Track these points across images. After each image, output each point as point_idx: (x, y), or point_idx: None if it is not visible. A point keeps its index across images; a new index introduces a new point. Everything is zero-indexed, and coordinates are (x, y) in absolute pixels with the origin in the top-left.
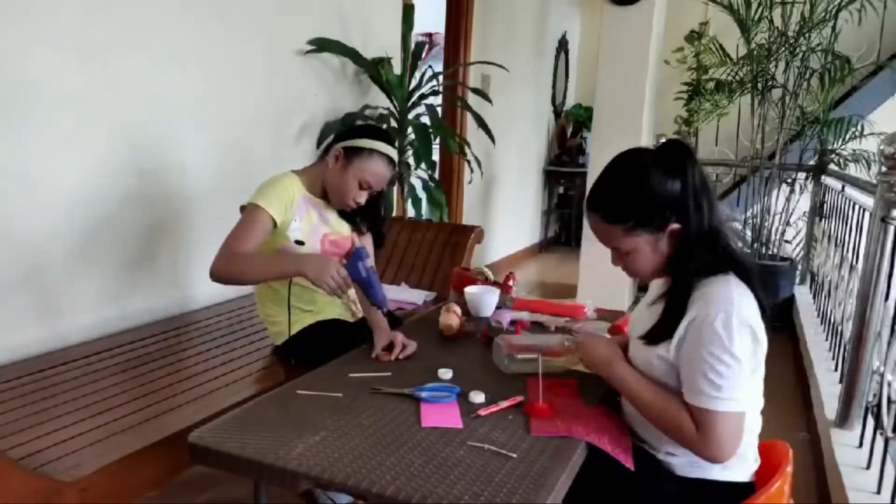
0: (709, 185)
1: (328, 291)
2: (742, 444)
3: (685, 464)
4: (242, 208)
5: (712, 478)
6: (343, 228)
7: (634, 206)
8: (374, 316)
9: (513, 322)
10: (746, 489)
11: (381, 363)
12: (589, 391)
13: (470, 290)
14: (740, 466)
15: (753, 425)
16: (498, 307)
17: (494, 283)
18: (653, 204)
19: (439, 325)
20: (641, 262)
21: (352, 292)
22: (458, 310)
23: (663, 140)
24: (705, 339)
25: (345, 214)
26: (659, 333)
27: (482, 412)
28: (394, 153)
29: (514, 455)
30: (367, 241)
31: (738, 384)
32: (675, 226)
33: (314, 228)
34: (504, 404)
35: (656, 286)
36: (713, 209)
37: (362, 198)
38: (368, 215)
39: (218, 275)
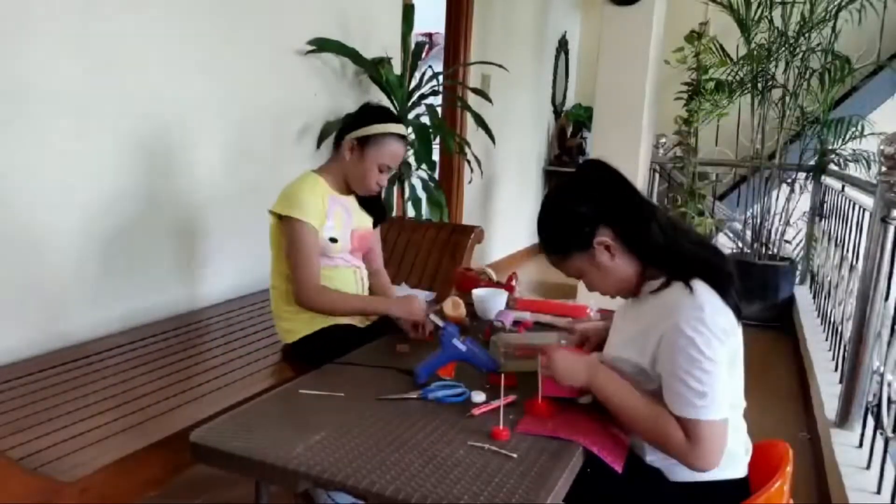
0: (630, 189)
1: (410, 327)
2: (729, 441)
3: (675, 470)
4: (279, 217)
5: (706, 479)
6: (365, 222)
7: (555, 234)
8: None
9: (515, 322)
10: (741, 484)
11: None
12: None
13: (478, 292)
14: (731, 463)
15: (737, 421)
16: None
17: (497, 284)
18: (569, 228)
19: (448, 317)
20: (595, 280)
21: (364, 289)
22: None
23: (581, 162)
24: (680, 347)
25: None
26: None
27: (476, 411)
28: (402, 129)
29: (515, 455)
30: (375, 240)
31: (719, 389)
32: (604, 239)
33: (344, 225)
34: (496, 404)
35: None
36: (639, 209)
37: (384, 180)
38: (375, 205)
39: (312, 308)
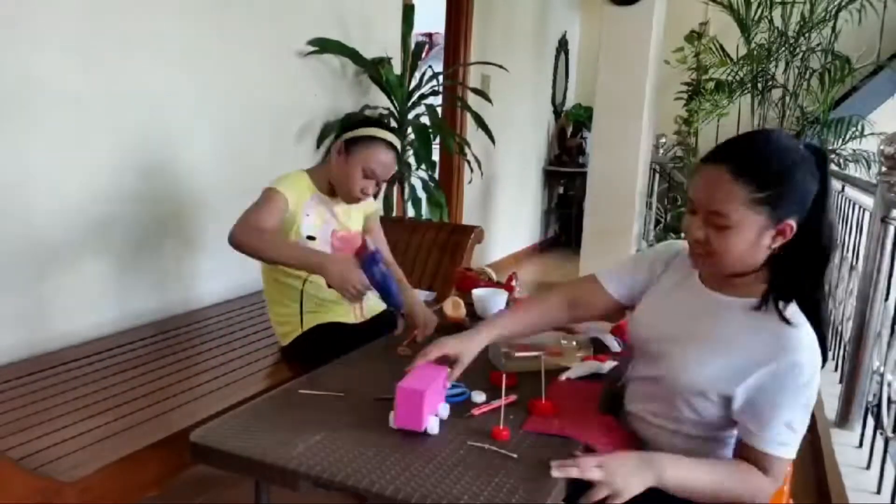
0: (831, 203)
1: (346, 298)
2: None
3: None
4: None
5: None
6: (351, 224)
7: (777, 177)
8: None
9: None
10: None
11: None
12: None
13: (478, 292)
14: None
15: None
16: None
17: (497, 284)
18: (793, 187)
19: (448, 317)
20: (732, 246)
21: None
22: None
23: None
24: (796, 389)
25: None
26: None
27: (475, 412)
28: (393, 139)
29: (515, 455)
30: (380, 240)
31: (805, 427)
32: (792, 224)
33: (325, 225)
34: (496, 404)
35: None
36: (831, 232)
37: (369, 188)
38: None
39: (238, 243)
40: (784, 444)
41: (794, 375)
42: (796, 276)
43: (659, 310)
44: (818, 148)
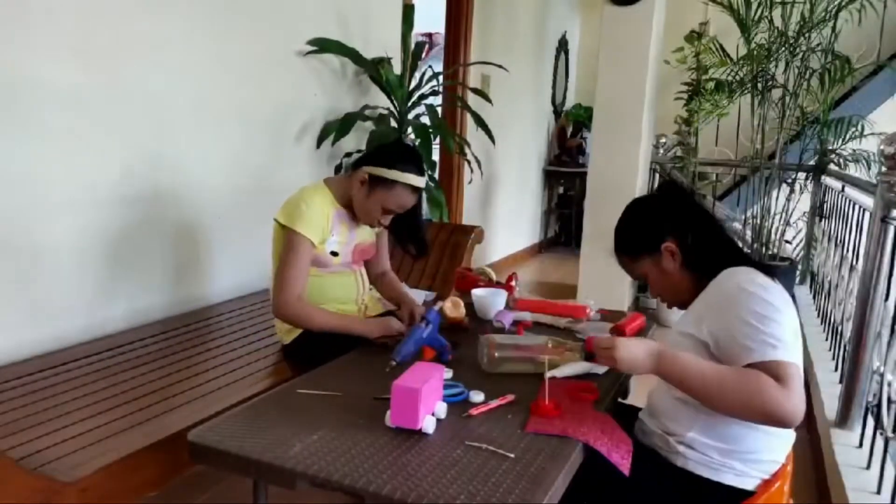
0: (702, 208)
1: (394, 334)
2: (768, 454)
3: (700, 461)
4: (282, 224)
5: (720, 481)
6: (370, 235)
7: (630, 236)
8: (401, 293)
9: (515, 322)
10: (748, 495)
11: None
12: (602, 399)
13: (477, 292)
14: (753, 478)
15: (784, 448)
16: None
17: (497, 284)
18: (643, 231)
19: (448, 317)
20: (658, 283)
21: (363, 297)
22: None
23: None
24: (742, 301)
25: (397, 238)
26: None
27: (473, 412)
28: (419, 181)
29: (512, 455)
30: (384, 252)
31: (786, 335)
32: (670, 244)
33: (348, 241)
34: (493, 404)
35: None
36: (707, 225)
37: (387, 220)
38: (410, 232)
39: (286, 316)
40: (767, 345)
41: (737, 293)
42: (700, 259)
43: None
44: (665, 184)
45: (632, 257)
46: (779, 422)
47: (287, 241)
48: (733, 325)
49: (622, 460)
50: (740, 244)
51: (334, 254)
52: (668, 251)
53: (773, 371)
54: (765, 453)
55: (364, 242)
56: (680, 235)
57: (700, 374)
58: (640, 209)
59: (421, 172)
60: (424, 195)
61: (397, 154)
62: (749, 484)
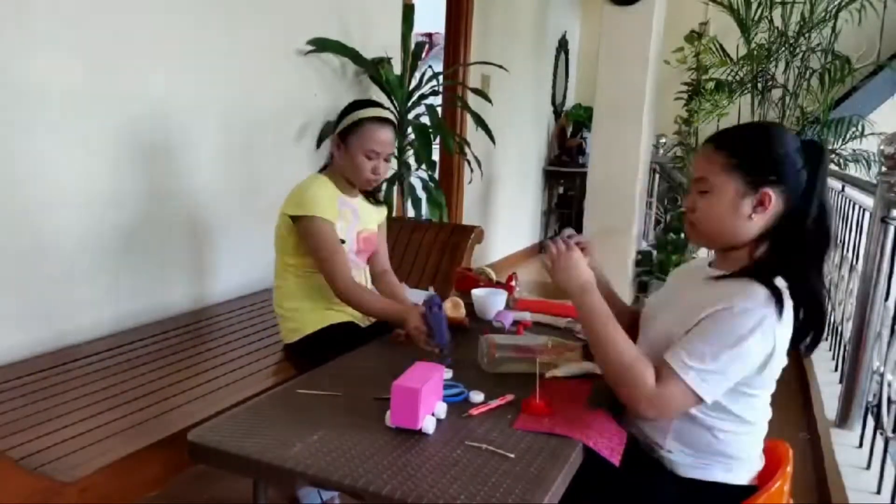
0: (826, 190)
1: (418, 342)
2: (747, 446)
3: (687, 464)
4: (293, 218)
5: (713, 479)
6: (371, 223)
7: (750, 143)
8: (399, 296)
9: (515, 322)
10: (747, 491)
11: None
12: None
13: (477, 292)
14: (743, 469)
15: (761, 431)
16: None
17: (497, 284)
18: (765, 155)
19: (447, 318)
20: (714, 208)
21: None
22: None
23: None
24: (723, 319)
25: (368, 200)
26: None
27: (473, 412)
28: (383, 112)
29: (512, 455)
30: (383, 248)
31: (723, 374)
32: (770, 194)
33: (350, 227)
34: (493, 404)
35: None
36: (823, 215)
37: (380, 167)
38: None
39: (348, 300)
40: (686, 364)
41: (732, 317)
42: (784, 255)
43: (660, 292)
44: (815, 142)
45: (728, 162)
46: (631, 406)
47: (310, 229)
48: (699, 331)
49: (612, 452)
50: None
51: (341, 241)
52: (763, 198)
53: (662, 374)
54: (740, 451)
55: (366, 230)
56: (790, 195)
57: (603, 329)
58: (788, 135)
59: (380, 106)
60: (424, 195)
61: (353, 103)
62: (742, 478)
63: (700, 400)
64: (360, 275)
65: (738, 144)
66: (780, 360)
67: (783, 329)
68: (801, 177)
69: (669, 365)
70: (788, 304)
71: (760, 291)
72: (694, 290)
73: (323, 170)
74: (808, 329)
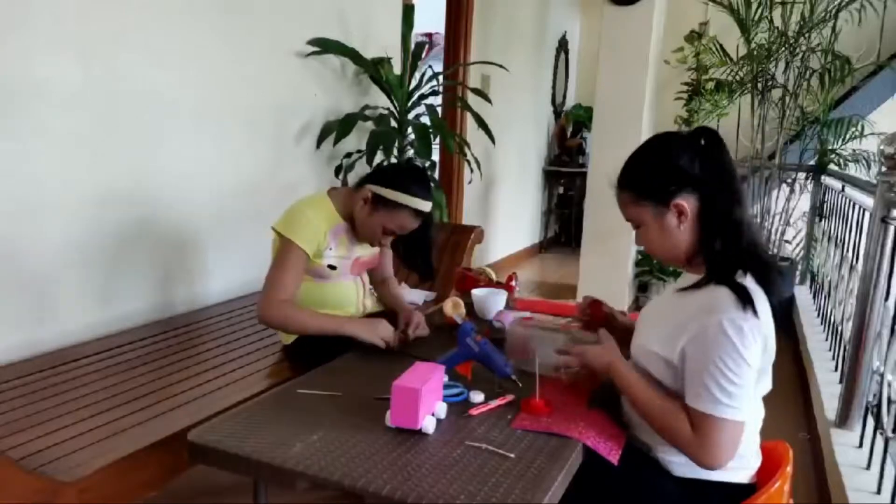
0: (736, 177)
1: (383, 347)
2: (743, 448)
3: (683, 464)
4: (278, 234)
5: (710, 479)
6: (371, 250)
7: (641, 173)
8: (399, 301)
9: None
10: (746, 490)
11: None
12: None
13: (477, 292)
14: (740, 468)
15: (754, 428)
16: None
17: (497, 284)
18: (658, 175)
19: (447, 317)
20: (650, 237)
21: (364, 300)
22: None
23: (700, 127)
24: (717, 344)
25: (405, 260)
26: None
27: (473, 412)
28: (425, 205)
29: (512, 455)
30: (387, 261)
31: (746, 392)
32: (682, 203)
33: (348, 255)
34: (493, 404)
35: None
36: (737, 202)
37: (387, 241)
38: (423, 261)
39: (268, 323)
40: (712, 399)
41: (716, 331)
42: (714, 249)
43: (641, 324)
44: (705, 129)
45: (634, 197)
46: (688, 457)
47: (282, 247)
48: (699, 365)
49: (611, 452)
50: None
51: (332, 267)
52: (677, 209)
53: (696, 421)
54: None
55: (365, 256)
56: (701, 193)
57: (637, 392)
58: (668, 145)
59: (428, 197)
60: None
61: (404, 176)
62: (740, 476)
63: (742, 424)
64: (354, 287)
65: (632, 178)
66: (772, 348)
67: (765, 325)
68: (700, 170)
69: (698, 411)
70: (761, 296)
71: (726, 297)
72: (668, 305)
73: (336, 188)
74: (769, 289)
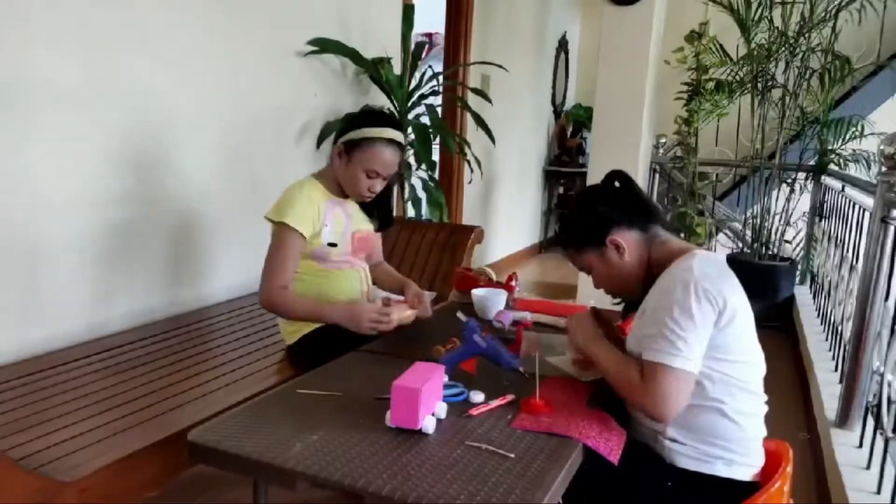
0: (648, 199)
1: (372, 333)
2: (746, 443)
3: (687, 454)
4: (272, 222)
5: (714, 473)
6: (367, 224)
7: (575, 229)
8: (400, 277)
9: (515, 322)
10: (749, 488)
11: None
12: (597, 396)
13: (477, 292)
14: (743, 465)
15: (756, 423)
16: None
17: (496, 284)
18: (587, 225)
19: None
20: (601, 275)
21: (368, 294)
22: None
23: (608, 172)
24: (665, 304)
25: (364, 209)
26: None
27: (473, 412)
28: (395, 134)
29: (512, 455)
30: (378, 250)
31: (692, 347)
32: (616, 238)
33: (344, 229)
34: (493, 404)
35: None
36: (650, 217)
37: (376, 186)
38: (380, 209)
39: (269, 309)
40: (656, 349)
41: (665, 294)
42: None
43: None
44: (616, 173)
45: (576, 250)
46: (642, 412)
47: (277, 234)
48: (654, 321)
49: (611, 452)
50: (737, 242)
51: (332, 244)
52: (613, 244)
53: (644, 369)
54: (738, 440)
55: (363, 230)
56: (627, 225)
57: (604, 361)
58: (585, 201)
59: (395, 126)
60: (424, 195)
61: (367, 114)
62: (743, 473)
63: (689, 375)
64: (357, 277)
65: (570, 236)
66: (742, 319)
67: (728, 291)
68: (619, 207)
69: (646, 360)
70: (725, 268)
71: (681, 262)
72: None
73: (319, 171)
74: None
